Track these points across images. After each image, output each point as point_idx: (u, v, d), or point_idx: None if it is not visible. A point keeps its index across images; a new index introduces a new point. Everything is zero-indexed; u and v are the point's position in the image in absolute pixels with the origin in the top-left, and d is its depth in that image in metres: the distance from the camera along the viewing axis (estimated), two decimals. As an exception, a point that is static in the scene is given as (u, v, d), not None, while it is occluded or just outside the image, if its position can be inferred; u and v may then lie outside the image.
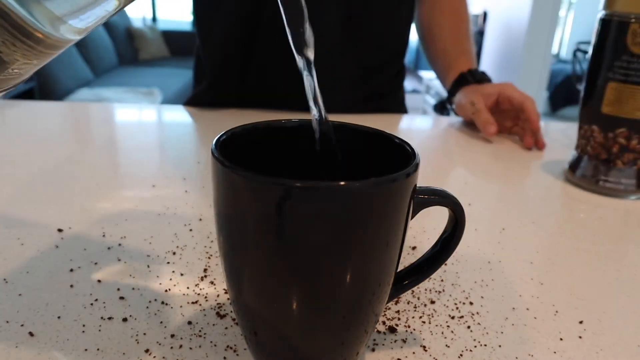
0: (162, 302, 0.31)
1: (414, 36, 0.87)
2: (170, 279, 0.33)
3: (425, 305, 0.32)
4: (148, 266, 0.34)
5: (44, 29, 0.23)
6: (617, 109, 0.50)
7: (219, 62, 0.77)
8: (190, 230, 0.40)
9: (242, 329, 0.25)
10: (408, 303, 0.32)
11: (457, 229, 0.26)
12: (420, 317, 0.31)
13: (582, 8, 4.80)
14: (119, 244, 0.37)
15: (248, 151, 0.26)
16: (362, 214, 0.20)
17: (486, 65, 3.18)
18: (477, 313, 0.32)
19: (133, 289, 0.32)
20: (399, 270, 0.26)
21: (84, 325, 0.28)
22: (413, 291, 0.33)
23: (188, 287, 0.32)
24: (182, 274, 0.34)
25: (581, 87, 0.54)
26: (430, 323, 0.30)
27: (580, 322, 0.31)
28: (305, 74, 0.25)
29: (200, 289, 0.32)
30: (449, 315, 0.31)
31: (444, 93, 0.80)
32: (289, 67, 0.74)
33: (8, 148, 0.55)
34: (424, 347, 0.28)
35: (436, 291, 0.34)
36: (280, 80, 0.74)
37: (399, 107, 0.87)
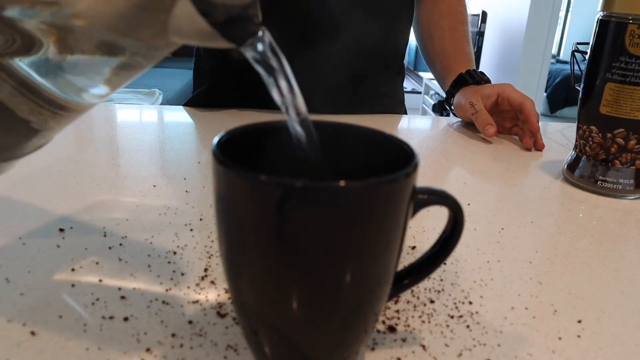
0: (163, 302, 0.31)
1: (413, 37, 0.88)
2: (171, 279, 0.33)
3: (424, 304, 0.32)
4: (149, 266, 0.35)
5: (69, 98, 0.25)
6: (615, 109, 0.50)
7: (220, 64, 0.77)
8: (191, 230, 0.40)
9: (243, 328, 0.26)
10: (408, 302, 0.32)
11: (456, 228, 0.26)
12: (420, 317, 0.31)
13: (581, 9, 4.81)
14: (120, 244, 0.37)
15: (248, 151, 0.26)
16: (361, 214, 0.20)
17: (485, 65, 3.18)
18: (477, 312, 0.32)
19: (134, 288, 0.32)
20: (398, 269, 0.26)
21: (85, 325, 0.28)
22: (412, 291, 0.34)
23: (189, 287, 0.33)
24: (182, 274, 0.34)
25: (580, 87, 0.54)
26: (429, 322, 0.30)
27: (579, 322, 0.31)
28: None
29: (201, 289, 0.32)
30: (449, 315, 0.31)
31: (443, 94, 0.80)
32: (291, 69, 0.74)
33: (8, 148, 0.55)
34: (424, 346, 0.28)
35: (435, 290, 0.34)
36: None
37: (399, 108, 0.87)
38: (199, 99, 0.78)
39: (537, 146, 0.66)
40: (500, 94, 0.70)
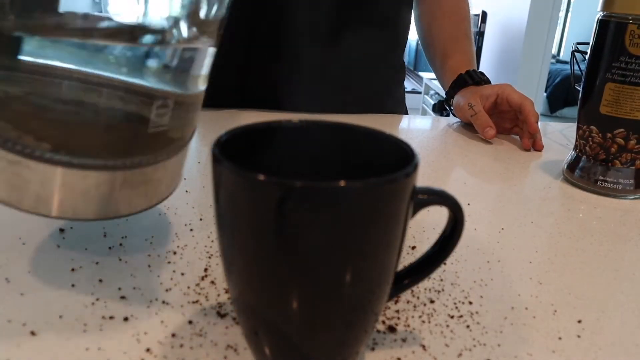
0: (163, 302, 0.31)
1: (413, 35, 0.88)
2: (171, 279, 0.33)
3: (424, 304, 0.32)
4: (149, 266, 0.35)
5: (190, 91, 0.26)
6: (615, 109, 0.50)
7: (219, 64, 0.77)
8: (191, 230, 0.40)
9: (243, 328, 0.26)
10: (408, 302, 0.32)
11: (456, 228, 0.26)
12: (420, 317, 0.31)
13: (581, 9, 4.81)
14: (120, 244, 0.37)
15: (248, 151, 0.26)
16: (361, 214, 0.20)
17: (485, 65, 3.18)
18: (477, 312, 0.32)
19: (134, 288, 0.32)
20: (398, 269, 0.26)
21: (85, 325, 0.28)
22: (412, 291, 0.34)
23: (189, 287, 0.33)
24: (182, 274, 0.34)
25: (579, 87, 0.54)
26: (429, 322, 0.30)
27: (579, 322, 0.31)
28: None
29: (201, 289, 0.32)
30: (449, 315, 0.31)
31: (444, 93, 0.80)
32: (289, 69, 0.74)
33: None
34: (424, 346, 0.28)
35: (436, 291, 0.34)
36: (280, 81, 0.74)
37: (399, 107, 0.87)
38: None
39: (536, 147, 0.66)
40: (499, 95, 0.70)
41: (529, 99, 0.68)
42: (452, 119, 0.79)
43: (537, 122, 0.66)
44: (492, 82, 0.75)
